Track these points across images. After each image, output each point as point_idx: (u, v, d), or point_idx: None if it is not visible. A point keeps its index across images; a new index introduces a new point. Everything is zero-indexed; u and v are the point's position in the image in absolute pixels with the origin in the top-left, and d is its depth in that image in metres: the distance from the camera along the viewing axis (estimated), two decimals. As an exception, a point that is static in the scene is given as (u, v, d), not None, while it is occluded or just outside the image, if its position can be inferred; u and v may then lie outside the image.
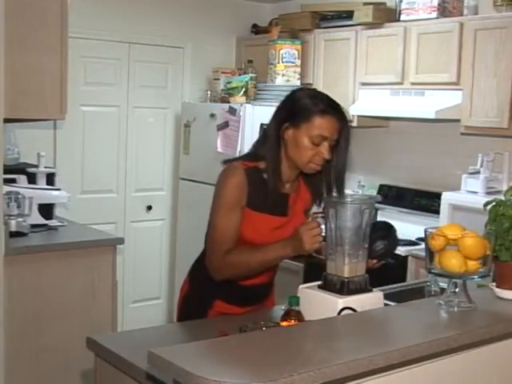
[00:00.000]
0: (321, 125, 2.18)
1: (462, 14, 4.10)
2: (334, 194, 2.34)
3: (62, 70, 3.40)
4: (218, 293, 2.36)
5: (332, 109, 2.21)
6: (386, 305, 2.23)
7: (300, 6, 4.99)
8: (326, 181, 2.33)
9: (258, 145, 2.36)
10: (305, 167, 2.26)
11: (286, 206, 2.33)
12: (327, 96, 2.27)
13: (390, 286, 2.74)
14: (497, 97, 3.78)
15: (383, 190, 4.67)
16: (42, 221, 3.79)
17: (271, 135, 2.26)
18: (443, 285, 2.32)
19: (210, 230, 2.30)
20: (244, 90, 4.85)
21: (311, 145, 2.20)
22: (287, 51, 4.79)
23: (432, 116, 3.99)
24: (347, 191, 4.55)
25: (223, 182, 2.26)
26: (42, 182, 3.90)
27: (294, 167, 2.29)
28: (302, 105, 2.21)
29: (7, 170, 3.45)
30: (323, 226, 2.19)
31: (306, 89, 2.49)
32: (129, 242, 4.88)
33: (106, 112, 5.06)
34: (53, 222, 3.87)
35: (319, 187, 2.35)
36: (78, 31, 4.35)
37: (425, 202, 4.37)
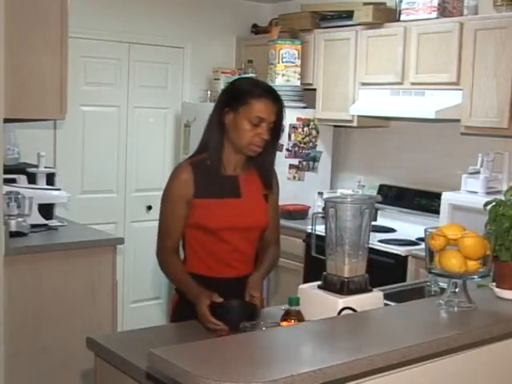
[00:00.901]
0: (258, 107, 2.32)
1: (462, 14, 4.10)
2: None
3: (61, 70, 3.40)
4: None
5: (268, 93, 2.37)
6: (386, 305, 2.23)
7: (300, 6, 4.99)
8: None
9: (203, 137, 2.48)
10: (246, 149, 2.37)
11: (236, 187, 2.44)
12: (264, 82, 2.52)
13: (390, 286, 2.74)
14: (497, 97, 3.78)
15: (383, 189, 4.67)
16: (42, 221, 3.79)
17: (213, 122, 2.41)
18: (443, 285, 2.32)
19: (158, 228, 2.46)
20: (244, 90, 4.85)
21: (250, 126, 2.33)
22: (287, 51, 4.79)
23: (432, 116, 3.99)
24: (347, 191, 4.61)
25: (171, 180, 2.43)
26: (42, 182, 3.90)
27: (238, 151, 2.40)
28: (241, 90, 2.39)
29: (7, 170, 3.45)
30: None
31: (245, 77, 2.64)
32: (129, 242, 4.87)
33: (106, 112, 5.06)
34: (53, 222, 3.87)
35: (265, 170, 2.48)
36: (78, 31, 4.35)
37: (425, 202, 4.36)
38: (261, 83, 2.47)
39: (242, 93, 2.36)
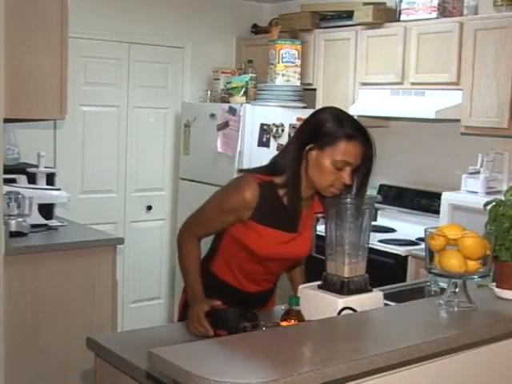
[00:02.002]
0: (346, 150, 2.16)
1: (462, 14, 4.10)
2: None
3: (61, 70, 3.40)
4: (219, 298, 2.30)
5: (359, 134, 2.19)
6: (386, 305, 2.23)
7: (300, 6, 4.99)
8: None
9: (277, 160, 2.33)
10: (324, 190, 2.22)
11: (296, 222, 2.31)
12: (353, 118, 2.25)
13: (390, 286, 2.74)
14: (497, 97, 3.78)
15: (383, 190, 4.67)
16: (42, 221, 3.79)
17: (293, 155, 2.22)
18: (443, 285, 2.32)
19: (197, 211, 2.34)
20: (244, 90, 4.85)
21: (334, 169, 2.17)
22: (287, 51, 4.79)
23: (432, 116, 3.99)
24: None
25: (235, 191, 2.26)
26: (42, 182, 3.90)
27: (311, 187, 2.25)
28: (328, 127, 2.17)
29: (7, 170, 3.45)
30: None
31: (331, 109, 2.38)
32: (129, 242, 4.88)
33: (106, 112, 5.06)
34: (53, 222, 3.87)
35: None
36: (78, 31, 4.36)
37: (425, 202, 4.36)
38: (350, 119, 2.23)
39: (330, 131, 2.16)
